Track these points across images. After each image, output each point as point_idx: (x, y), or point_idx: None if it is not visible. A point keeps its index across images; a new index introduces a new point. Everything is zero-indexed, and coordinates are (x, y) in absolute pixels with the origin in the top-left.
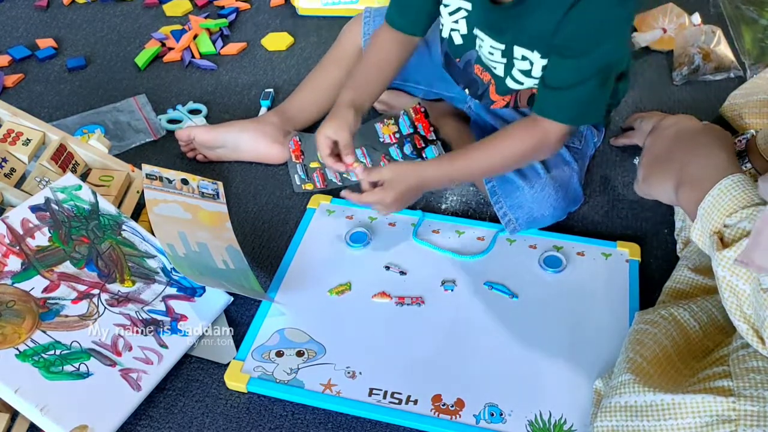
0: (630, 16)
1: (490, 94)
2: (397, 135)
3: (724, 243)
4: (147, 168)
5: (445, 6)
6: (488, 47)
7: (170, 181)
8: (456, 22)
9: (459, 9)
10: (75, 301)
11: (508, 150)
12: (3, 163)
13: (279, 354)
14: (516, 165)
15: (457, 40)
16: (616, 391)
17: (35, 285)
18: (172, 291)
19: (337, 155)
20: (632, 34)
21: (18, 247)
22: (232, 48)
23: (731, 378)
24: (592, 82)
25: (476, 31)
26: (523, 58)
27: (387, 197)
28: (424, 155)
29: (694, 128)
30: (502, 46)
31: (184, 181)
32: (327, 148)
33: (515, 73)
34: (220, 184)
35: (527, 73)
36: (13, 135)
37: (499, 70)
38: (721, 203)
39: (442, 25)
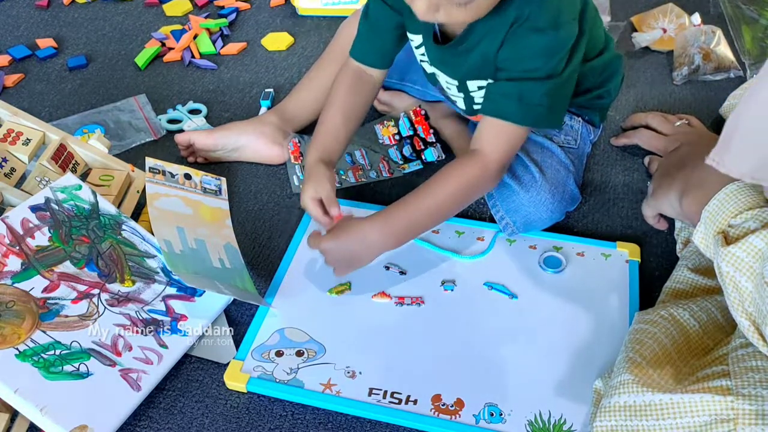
0: (563, 37)
1: (465, 114)
2: (397, 137)
3: (728, 241)
4: (150, 161)
5: (411, 40)
6: (444, 82)
7: (173, 176)
8: (423, 54)
9: (422, 44)
10: (75, 301)
11: (449, 190)
12: (3, 163)
13: (279, 354)
14: (462, 203)
15: (428, 69)
16: (615, 391)
17: (35, 285)
18: (172, 291)
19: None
20: (632, 34)
21: (18, 247)
22: (232, 48)
23: (730, 377)
24: (531, 83)
25: (432, 68)
26: (479, 88)
27: (329, 244)
28: (423, 157)
29: (706, 145)
30: (456, 82)
31: (187, 176)
32: (317, 208)
33: (477, 100)
34: (224, 180)
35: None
36: (13, 135)
37: (460, 103)
38: (726, 206)
39: (416, 56)
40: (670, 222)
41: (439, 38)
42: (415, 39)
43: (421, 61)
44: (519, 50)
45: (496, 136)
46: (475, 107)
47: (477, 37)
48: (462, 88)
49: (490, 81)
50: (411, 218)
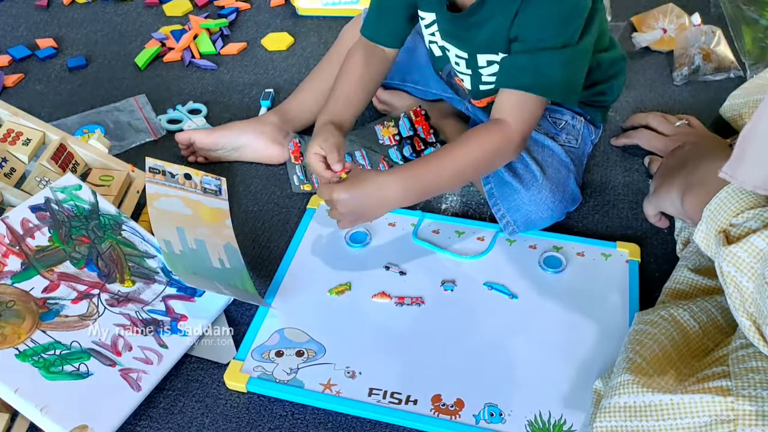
0: (578, 4)
1: (471, 99)
2: (397, 137)
3: (729, 240)
4: (150, 161)
5: (422, 19)
6: (454, 57)
7: (173, 176)
8: (432, 34)
9: (433, 22)
10: (75, 301)
11: (471, 153)
12: (3, 163)
13: (279, 354)
14: (482, 168)
15: (437, 52)
16: (615, 392)
17: (35, 285)
18: (172, 291)
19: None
20: (632, 34)
21: (18, 247)
22: (232, 48)
23: (730, 378)
24: (547, 54)
25: (443, 42)
26: (489, 63)
27: (342, 194)
28: None
29: (708, 145)
30: (466, 55)
31: (187, 176)
32: (320, 163)
33: (485, 79)
34: (224, 180)
35: (496, 74)
36: (13, 135)
37: (467, 82)
38: (727, 205)
39: (424, 37)
40: (672, 220)
41: (451, 10)
42: (427, 17)
43: (430, 42)
44: (534, 18)
45: (515, 107)
46: (482, 87)
47: (490, 8)
48: (471, 63)
49: (501, 55)
50: (430, 178)
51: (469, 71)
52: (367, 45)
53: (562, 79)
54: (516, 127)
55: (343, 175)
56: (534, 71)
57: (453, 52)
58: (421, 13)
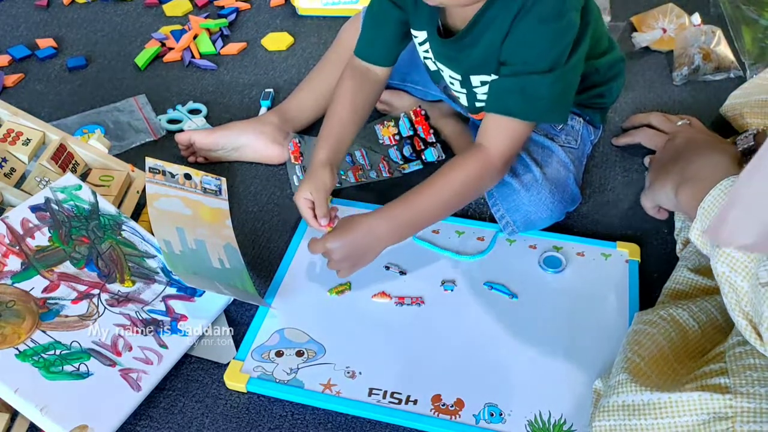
0: (566, 26)
1: (468, 112)
2: (397, 137)
3: None
4: (150, 161)
5: (415, 37)
6: (448, 77)
7: (173, 176)
8: (426, 51)
9: (426, 40)
10: (75, 301)
11: (453, 184)
12: (3, 163)
13: (279, 354)
14: (467, 197)
15: (432, 66)
16: (613, 391)
17: (35, 285)
18: (172, 291)
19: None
20: (632, 34)
21: (18, 247)
22: (232, 48)
23: (728, 375)
24: (534, 78)
25: (436, 64)
26: (482, 83)
27: (334, 243)
28: (423, 157)
29: (702, 138)
30: (459, 77)
31: (187, 176)
32: (308, 209)
33: (480, 97)
34: (224, 180)
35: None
36: (13, 135)
37: (463, 100)
38: (720, 203)
39: (419, 53)
40: (671, 213)
41: (443, 33)
42: (420, 35)
43: (424, 58)
44: (523, 41)
45: (500, 132)
46: (478, 104)
47: (481, 29)
48: (465, 83)
49: (493, 76)
50: (415, 212)
51: (464, 90)
52: (360, 69)
53: (549, 102)
54: (498, 154)
55: (328, 229)
56: (521, 95)
57: (447, 72)
58: (413, 32)
